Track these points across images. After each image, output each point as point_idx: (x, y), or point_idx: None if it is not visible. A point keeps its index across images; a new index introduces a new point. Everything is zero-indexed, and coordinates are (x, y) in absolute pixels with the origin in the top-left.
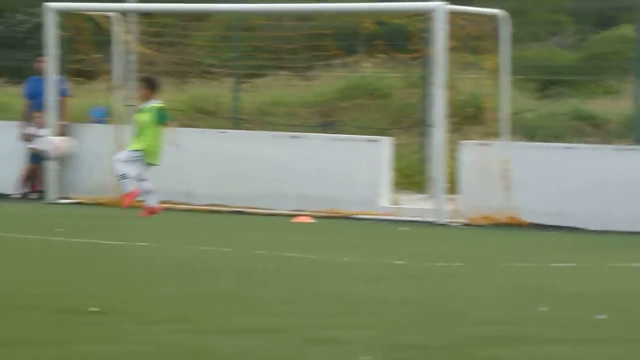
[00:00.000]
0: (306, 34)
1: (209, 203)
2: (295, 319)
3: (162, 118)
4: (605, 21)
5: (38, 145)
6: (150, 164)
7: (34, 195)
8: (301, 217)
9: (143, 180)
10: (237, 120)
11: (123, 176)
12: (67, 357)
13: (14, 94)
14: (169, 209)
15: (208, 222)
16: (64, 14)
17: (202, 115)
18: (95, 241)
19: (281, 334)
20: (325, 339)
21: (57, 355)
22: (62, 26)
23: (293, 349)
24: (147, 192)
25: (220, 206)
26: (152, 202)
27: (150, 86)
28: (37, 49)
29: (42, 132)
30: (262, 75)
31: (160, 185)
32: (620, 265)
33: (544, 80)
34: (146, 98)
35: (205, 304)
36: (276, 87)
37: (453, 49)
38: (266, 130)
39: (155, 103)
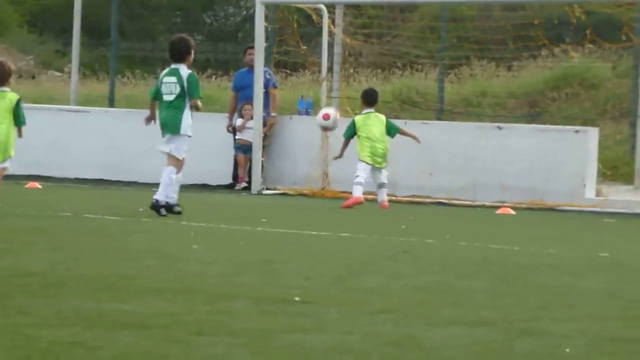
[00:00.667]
0: (514, 24)
1: (412, 194)
2: (500, 311)
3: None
4: None
5: (247, 136)
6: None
7: (240, 186)
8: (504, 209)
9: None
10: (442, 111)
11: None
12: (275, 346)
13: (222, 87)
14: (372, 201)
15: (410, 214)
16: (273, 7)
17: (407, 106)
18: (296, 231)
19: (486, 326)
20: (531, 331)
21: (266, 345)
22: (271, 19)
23: (498, 342)
24: (355, 183)
25: (422, 197)
26: (357, 192)
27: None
28: (246, 41)
29: (250, 124)
30: (468, 66)
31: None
32: None
33: None
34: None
35: (410, 295)
36: (482, 78)
37: None
38: (471, 121)
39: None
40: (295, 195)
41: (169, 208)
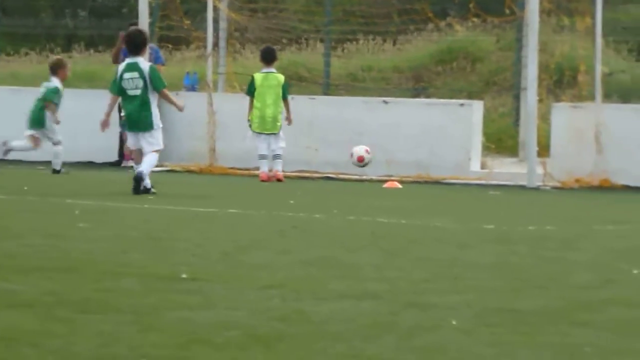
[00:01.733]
0: None
1: (299, 169)
2: (388, 284)
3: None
4: None
5: None
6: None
7: (127, 164)
8: (391, 183)
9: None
10: (328, 85)
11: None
12: (162, 322)
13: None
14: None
15: (299, 189)
16: None
17: (294, 81)
18: (184, 208)
19: (374, 299)
20: (417, 303)
21: (153, 322)
22: None
23: (386, 314)
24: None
25: (310, 172)
26: (263, 167)
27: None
28: (129, 17)
29: None
30: (354, 41)
31: (252, 152)
32: None
33: (638, 42)
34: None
35: (298, 270)
36: (368, 53)
37: (546, 11)
38: (357, 95)
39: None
40: (182, 171)
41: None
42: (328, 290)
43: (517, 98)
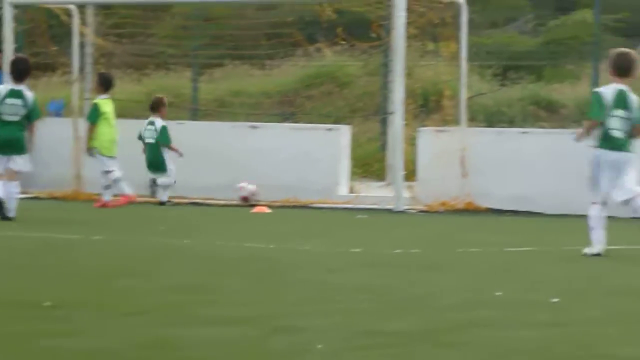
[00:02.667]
0: (267, 23)
1: (171, 195)
2: (257, 308)
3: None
4: (564, 6)
5: None
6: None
7: None
8: (259, 207)
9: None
10: (196, 111)
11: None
12: (28, 350)
13: None
14: (129, 202)
15: (168, 215)
16: (21, 7)
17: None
18: (48, 235)
19: (242, 324)
20: (286, 327)
21: (19, 350)
22: (20, 19)
23: (254, 339)
24: (106, 186)
25: (178, 198)
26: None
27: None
28: None
29: None
30: (222, 66)
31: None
32: (576, 249)
33: (504, 66)
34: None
35: (168, 296)
36: (236, 78)
37: (412, 37)
38: (226, 120)
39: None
40: (46, 198)
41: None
42: (196, 316)
43: (384, 122)
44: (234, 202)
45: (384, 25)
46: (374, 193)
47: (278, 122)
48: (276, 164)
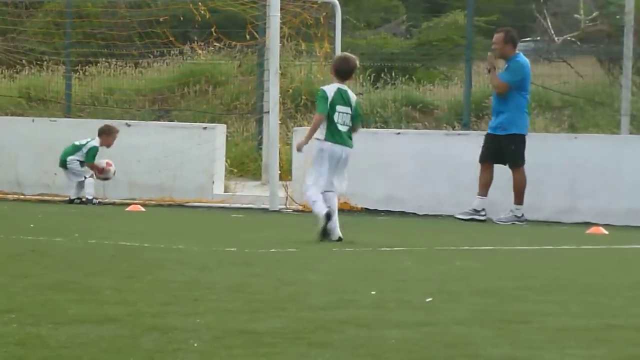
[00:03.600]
0: (140, 21)
1: (41, 193)
2: (128, 307)
3: None
4: (436, 8)
5: None
6: None
7: None
8: (134, 206)
9: None
10: (69, 108)
11: None
12: None
13: None
14: (1, 199)
15: (39, 212)
16: None
17: (34, 104)
18: None
19: (114, 323)
20: (157, 326)
21: None
22: None
23: (125, 338)
24: None
25: (52, 196)
26: None
27: None
28: None
29: None
30: (95, 63)
31: None
32: (447, 249)
33: (377, 67)
34: None
35: (37, 294)
36: (109, 75)
37: (287, 37)
38: (100, 118)
39: None
40: None
41: None
42: (67, 314)
43: (259, 122)
44: (107, 201)
45: (259, 25)
46: (249, 192)
47: (153, 120)
48: (151, 162)
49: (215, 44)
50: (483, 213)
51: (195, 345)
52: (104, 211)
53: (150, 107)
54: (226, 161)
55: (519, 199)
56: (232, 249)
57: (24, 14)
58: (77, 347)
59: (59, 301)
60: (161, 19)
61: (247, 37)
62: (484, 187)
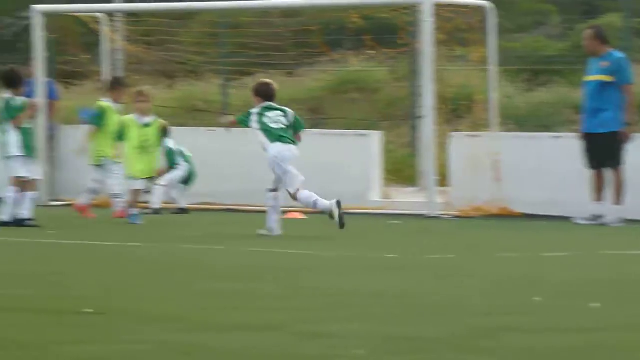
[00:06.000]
0: (293, 30)
1: (201, 201)
2: (289, 314)
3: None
4: (591, 10)
5: None
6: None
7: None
8: (293, 213)
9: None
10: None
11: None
12: (56, 357)
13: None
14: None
15: (200, 221)
16: (52, 16)
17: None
18: (86, 242)
19: (275, 330)
20: (319, 333)
21: (44, 356)
22: (50, 28)
23: (287, 345)
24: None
25: (211, 204)
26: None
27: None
28: (25, 52)
29: None
30: (250, 73)
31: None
32: (611, 253)
33: (532, 71)
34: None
35: (200, 301)
36: None
37: (440, 42)
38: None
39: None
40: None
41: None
42: (230, 321)
43: (414, 128)
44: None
45: (411, 31)
46: (406, 199)
47: (308, 128)
48: (308, 170)
49: (368, 51)
50: (605, 219)
51: (358, 352)
52: (263, 219)
53: (305, 116)
54: (382, 168)
55: (618, 198)
56: (392, 256)
57: (180, 25)
58: (239, 353)
59: (222, 308)
60: (314, 28)
61: (399, 43)
62: (599, 191)
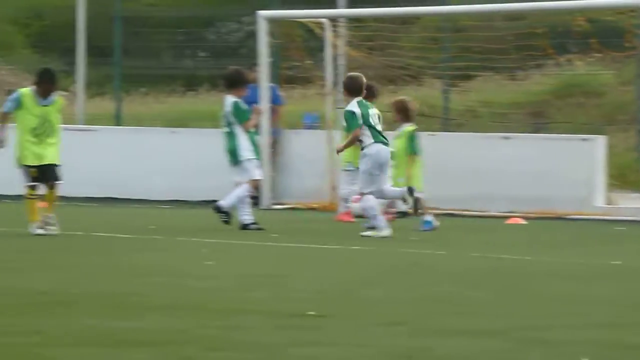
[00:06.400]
0: (516, 33)
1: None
2: (512, 320)
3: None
4: None
5: None
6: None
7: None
8: (514, 219)
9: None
10: (447, 121)
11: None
12: (282, 359)
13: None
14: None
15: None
16: (275, 22)
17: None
18: (307, 245)
19: (497, 335)
20: (542, 340)
21: (269, 357)
22: (274, 34)
23: (510, 351)
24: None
25: (431, 209)
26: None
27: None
28: (249, 57)
29: None
30: (471, 77)
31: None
32: None
33: None
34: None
35: (421, 306)
36: (486, 88)
37: None
38: (477, 131)
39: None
40: (304, 209)
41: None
42: (451, 326)
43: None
44: (489, 214)
45: (638, 34)
46: (631, 204)
47: (530, 132)
48: (530, 175)
49: (594, 54)
50: None
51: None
52: (483, 224)
53: (527, 120)
54: (607, 173)
55: None
56: (617, 262)
57: (402, 29)
58: (462, 358)
59: (443, 313)
60: (539, 31)
61: (626, 46)
62: None
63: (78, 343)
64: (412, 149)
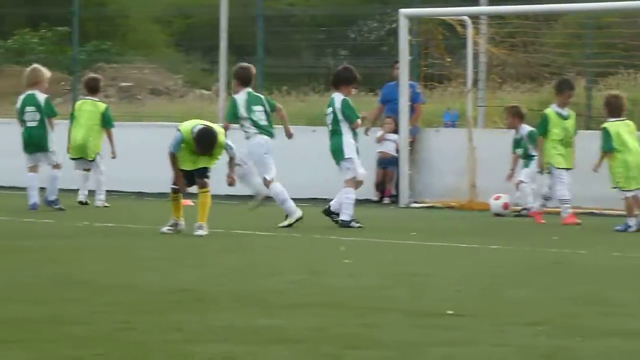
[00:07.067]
0: None
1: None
2: None
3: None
4: None
5: (387, 149)
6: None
7: (387, 200)
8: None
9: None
10: (590, 119)
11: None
12: (420, 358)
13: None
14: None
15: (558, 224)
16: (416, 19)
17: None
18: (446, 244)
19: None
20: None
21: (417, 358)
22: (415, 32)
23: None
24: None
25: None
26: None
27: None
28: (389, 55)
29: (391, 137)
30: (614, 74)
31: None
32: None
33: None
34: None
35: (562, 305)
36: (631, 86)
37: None
38: None
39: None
40: (442, 207)
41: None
42: (594, 327)
43: None
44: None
45: None
46: None
47: None
48: None
49: None
50: None
51: None
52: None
53: None
54: None
55: None
56: None
57: (544, 26)
58: None
59: (586, 314)
60: None
61: None
62: None
63: (217, 340)
64: (607, 145)
